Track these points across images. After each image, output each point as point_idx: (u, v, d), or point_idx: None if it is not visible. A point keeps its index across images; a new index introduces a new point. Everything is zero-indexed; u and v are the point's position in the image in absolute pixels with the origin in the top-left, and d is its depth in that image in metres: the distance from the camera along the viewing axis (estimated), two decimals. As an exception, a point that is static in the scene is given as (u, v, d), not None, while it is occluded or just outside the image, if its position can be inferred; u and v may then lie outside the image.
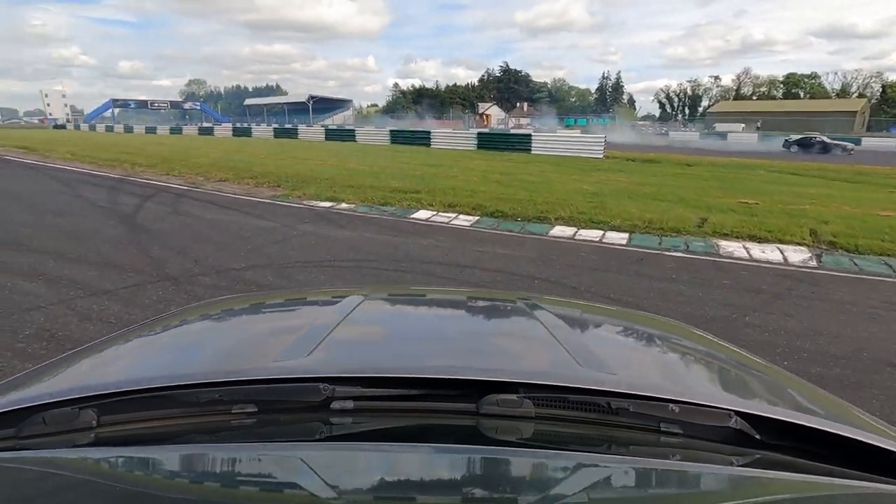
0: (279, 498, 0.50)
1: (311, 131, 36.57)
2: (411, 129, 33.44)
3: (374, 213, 7.66)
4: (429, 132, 27.01)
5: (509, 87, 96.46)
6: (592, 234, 6.45)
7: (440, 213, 7.64)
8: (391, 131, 29.18)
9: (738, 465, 0.59)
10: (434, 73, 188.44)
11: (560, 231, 6.64)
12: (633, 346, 1.08)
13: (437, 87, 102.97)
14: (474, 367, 0.74)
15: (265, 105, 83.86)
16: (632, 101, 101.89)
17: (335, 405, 0.63)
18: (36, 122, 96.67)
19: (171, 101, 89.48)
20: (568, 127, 59.03)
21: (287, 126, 42.89)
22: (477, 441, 0.61)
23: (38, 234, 5.70)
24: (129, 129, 54.38)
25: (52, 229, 6.01)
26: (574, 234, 6.48)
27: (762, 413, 0.63)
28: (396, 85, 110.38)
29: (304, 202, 8.48)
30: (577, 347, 0.82)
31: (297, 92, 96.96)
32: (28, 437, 0.59)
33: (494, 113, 78.05)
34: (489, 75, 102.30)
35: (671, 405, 0.62)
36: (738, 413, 0.63)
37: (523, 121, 69.55)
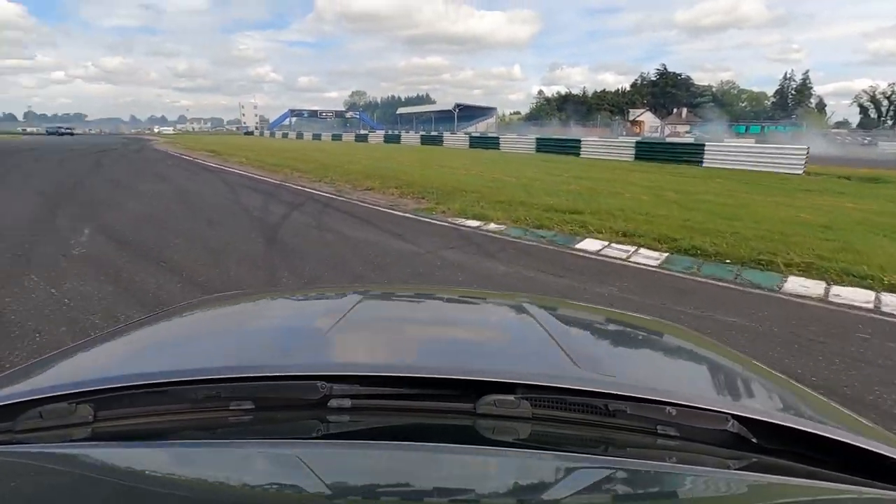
0: (275, 495, 0.49)
1: (455, 138, 36.78)
2: (558, 136, 31.60)
3: (530, 239, 6.38)
4: (578, 140, 24.95)
5: (666, 92, 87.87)
6: (856, 296, 4.31)
7: (613, 245, 6.05)
8: (537, 139, 27.66)
9: (734, 469, 0.58)
10: (580, 79, 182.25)
11: (800, 286, 4.59)
12: (631, 348, 1.08)
13: (584, 93, 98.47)
14: (472, 367, 0.74)
15: (415, 113, 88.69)
16: (821, 106, 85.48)
17: (333, 403, 0.63)
18: (234, 129, 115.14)
19: (335, 111, 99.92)
20: (738, 135, 51.30)
21: (433, 133, 44.05)
22: (474, 441, 0.60)
23: (183, 248, 5.55)
24: (300, 136, 61.28)
25: (199, 242, 5.85)
26: (826, 294, 4.41)
27: (759, 417, 0.63)
28: (541, 92, 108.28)
29: (449, 219, 7.56)
30: (575, 349, 0.82)
31: (445, 101, 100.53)
32: (24, 431, 0.59)
33: (647, 120, 71.79)
34: (643, 79, 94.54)
35: (668, 408, 0.62)
36: (735, 416, 0.63)
37: (681, 128, 62.75)
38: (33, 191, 9.47)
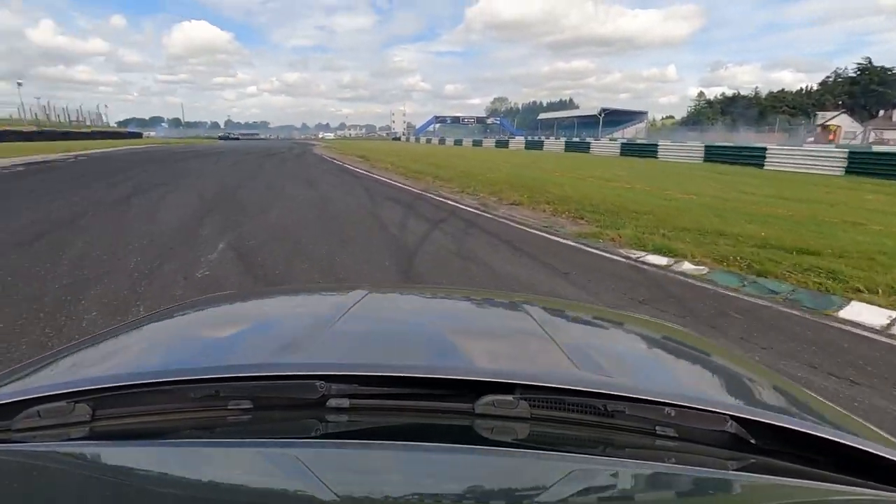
0: (273, 495, 0.49)
1: (603, 145, 33.87)
2: (734, 144, 26.97)
3: (755, 295, 4.38)
4: (763, 149, 20.78)
5: (869, 91, 71.67)
6: None
7: (908, 319, 3.84)
8: (706, 147, 23.81)
9: (733, 470, 0.58)
10: (748, 78, 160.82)
11: None
12: (630, 349, 1.06)
13: (757, 94, 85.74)
14: (471, 367, 0.76)
15: (556, 119, 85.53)
16: None
17: (331, 403, 0.63)
18: (384, 134, 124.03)
19: (476, 117, 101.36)
20: None
21: (577, 139, 41.33)
22: (472, 441, 0.60)
23: (308, 277, 4.81)
24: (442, 141, 62.89)
25: (327, 270, 5.08)
26: None
27: (758, 418, 0.62)
28: (701, 94, 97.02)
29: (623, 251, 5.88)
30: (574, 349, 0.82)
31: (589, 105, 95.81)
32: (22, 430, 0.59)
33: (844, 123, 59.33)
34: (837, 76, 78.78)
35: (667, 408, 0.62)
36: (733, 417, 0.63)
37: (888, 134, 50.47)
38: (196, 194, 9.96)
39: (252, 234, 6.34)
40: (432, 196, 10.44)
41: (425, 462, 0.57)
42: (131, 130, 63.49)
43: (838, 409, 0.81)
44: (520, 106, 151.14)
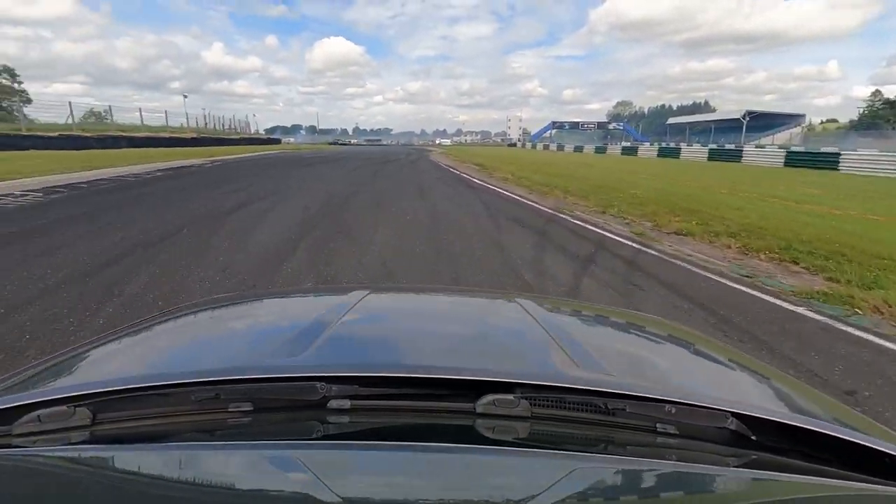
0: (275, 497, 0.49)
1: (760, 153, 28.71)
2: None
3: None
4: None
5: None
6: None
7: None
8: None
9: (734, 466, 0.58)
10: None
11: None
12: (630, 347, 1.06)
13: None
14: (471, 366, 0.74)
15: (689, 123, 77.07)
16: None
17: (332, 404, 0.63)
18: (499, 140, 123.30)
19: (597, 122, 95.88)
20: None
21: (716, 146, 35.95)
22: (474, 441, 0.60)
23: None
24: (560, 148, 59.88)
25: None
26: None
27: (758, 414, 0.62)
28: (877, 93, 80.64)
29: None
30: (574, 347, 0.82)
31: (726, 108, 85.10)
32: (23, 435, 0.59)
33: None
34: None
35: (668, 406, 0.62)
36: (734, 414, 0.62)
37: None
38: (302, 205, 9.08)
39: (346, 268, 5.01)
40: (567, 218, 8.47)
41: (427, 462, 0.56)
42: (272, 137, 69.04)
43: (839, 404, 0.81)
44: (646, 110, 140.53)
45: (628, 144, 50.71)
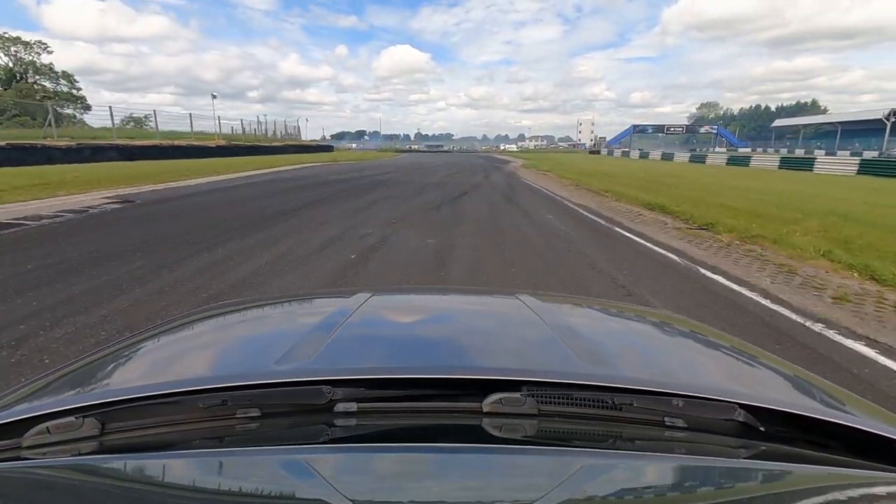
0: (284, 501, 0.49)
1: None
2: None
3: None
4: None
5: None
6: None
7: None
8: None
9: (743, 458, 0.58)
10: None
11: None
12: (635, 341, 1.05)
13: None
14: (477, 366, 0.75)
15: (800, 126, 67.29)
16: None
17: (339, 408, 0.63)
18: (564, 146, 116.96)
19: (685, 125, 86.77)
20: None
21: (883, 157, 28.97)
22: (482, 440, 0.60)
23: None
24: (643, 155, 53.61)
25: None
26: None
27: (766, 405, 0.62)
28: None
29: None
30: (579, 343, 0.81)
31: (845, 109, 73.75)
32: (32, 447, 0.59)
33: None
34: None
35: (675, 399, 0.62)
36: (742, 405, 0.62)
37: None
38: (344, 257, 5.38)
39: None
40: (773, 290, 4.00)
41: (435, 462, 0.56)
42: (323, 144, 61.57)
43: (847, 392, 0.81)
44: (735, 111, 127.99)
45: (723, 151, 43.78)
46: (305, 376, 0.65)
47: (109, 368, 0.86)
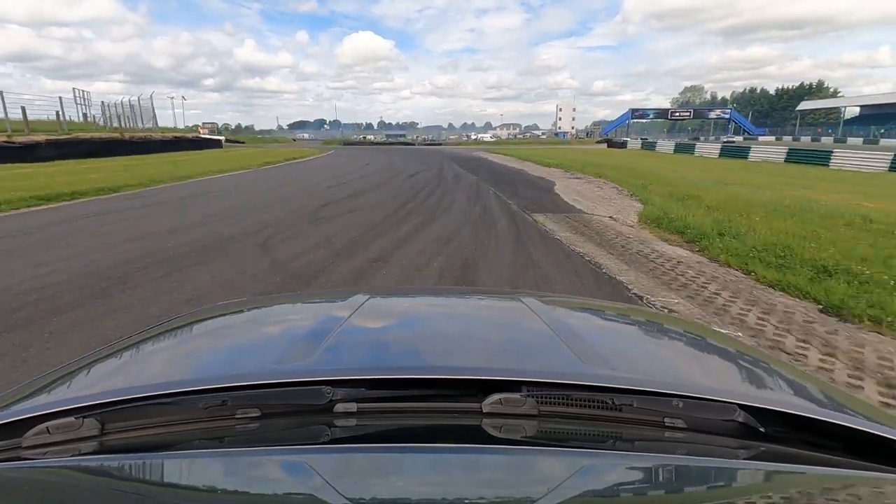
0: (284, 502, 0.50)
1: None
2: None
3: None
4: None
5: None
6: None
7: None
8: None
9: (743, 459, 0.58)
10: None
11: None
12: (635, 342, 1.05)
13: None
14: (477, 366, 0.75)
15: (824, 109, 59.01)
16: None
17: (338, 408, 0.63)
18: (543, 135, 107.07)
19: (693, 110, 76.18)
20: None
21: None
22: (482, 440, 0.60)
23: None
24: (650, 146, 43.67)
25: None
26: None
27: (766, 406, 0.62)
28: None
29: None
30: (579, 344, 0.81)
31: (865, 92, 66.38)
32: (32, 447, 0.59)
33: None
34: None
35: (675, 400, 0.62)
36: (742, 406, 0.62)
37: None
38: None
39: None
40: None
41: (435, 462, 0.56)
42: (208, 138, 42.53)
43: (847, 392, 0.79)
44: (720, 96, 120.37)
45: (732, 141, 34.31)
46: (305, 377, 0.65)
47: (109, 369, 0.85)
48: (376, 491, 0.50)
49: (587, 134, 79.80)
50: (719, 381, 0.84)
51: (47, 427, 0.59)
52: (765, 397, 0.69)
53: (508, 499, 0.49)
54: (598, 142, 58.37)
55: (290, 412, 0.64)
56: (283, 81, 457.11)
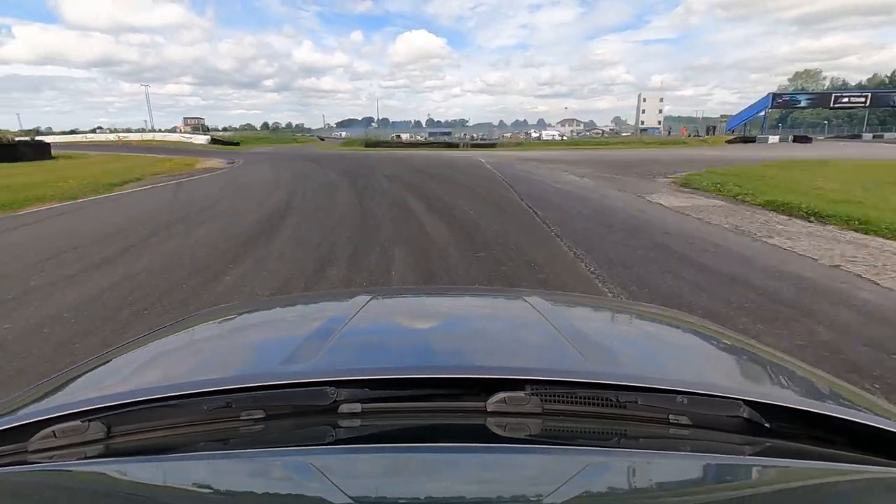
0: (289, 503, 0.50)
1: None
2: None
3: None
4: None
5: None
6: None
7: None
8: None
9: (748, 455, 0.58)
10: None
11: None
12: (639, 339, 1.05)
13: None
14: (481, 365, 0.75)
15: None
16: None
17: (343, 408, 0.63)
18: (623, 131, 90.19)
19: (870, 94, 54.79)
20: None
21: None
22: (486, 439, 0.60)
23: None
24: (804, 140, 27.29)
25: None
26: None
27: (771, 401, 0.62)
28: None
29: None
30: (583, 342, 0.81)
31: None
32: (38, 451, 0.59)
33: None
34: None
35: (679, 396, 0.62)
36: (746, 402, 0.62)
37: None
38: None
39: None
40: None
41: (440, 462, 0.56)
42: (24, 141, 26.31)
43: (851, 387, 0.79)
44: (853, 82, 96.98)
45: None
46: (309, 378, 0.65)
47: (115, 371, 0.86)
48: (382, 491, 0.50)
49: (708, 130, 61.07)
50: (724, 377, 0.83)
51: (53, 431, 0.59)
52: (770, 393, 0.70)
53: (515, 497, 0.48)
54: (730, 140, 41.45)
55: (295, 413, 0.64)
56: (337, 81, 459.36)
